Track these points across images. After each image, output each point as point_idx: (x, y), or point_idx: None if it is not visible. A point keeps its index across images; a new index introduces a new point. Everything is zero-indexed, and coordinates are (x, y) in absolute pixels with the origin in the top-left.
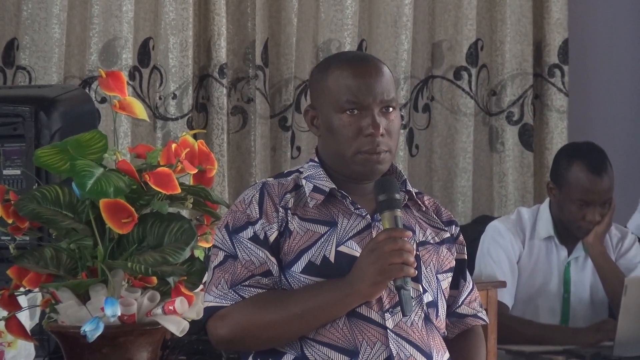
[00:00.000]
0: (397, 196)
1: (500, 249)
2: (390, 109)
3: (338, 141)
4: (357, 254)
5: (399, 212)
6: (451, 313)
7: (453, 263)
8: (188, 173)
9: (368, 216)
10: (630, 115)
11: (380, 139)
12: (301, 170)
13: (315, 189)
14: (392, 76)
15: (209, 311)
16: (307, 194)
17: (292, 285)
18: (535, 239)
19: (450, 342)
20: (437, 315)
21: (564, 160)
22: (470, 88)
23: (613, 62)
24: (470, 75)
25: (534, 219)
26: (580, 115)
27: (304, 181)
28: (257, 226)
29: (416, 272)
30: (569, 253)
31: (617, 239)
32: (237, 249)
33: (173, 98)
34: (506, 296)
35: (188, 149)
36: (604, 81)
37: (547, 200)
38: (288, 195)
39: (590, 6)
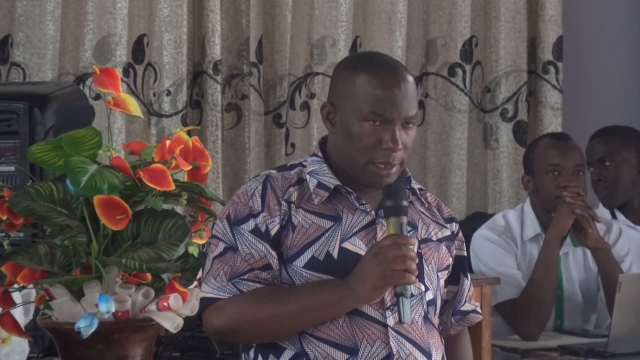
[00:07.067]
0: (405, 203)
1: (497, 256)
2: (411, 124)
3: (353, 147)
4: (361, 251)
5: (405, 219)
6: (456, 311)
7: (450, 260)
8: (182, 169)
9: (372, 212)
10: (624, 112)
11: (396, 154)
12: (304, 164)
13: (320, 185)
14: (416, 88)
15: (206, 302)
16: (312, 190)
17: (294, 279)
18: (526, 240)
19: (445, 340)
20: (435, 313)
21: (530, 147)
22: (465, 85)
23: (607, 59)
24: (464, 72)
25: (520, 221)
26: (574, 112)
27: (308, 176)
28: (259, 219)
29: (417, 280)
30: None
31: (602, 232)
32: (237, 241)
33: (167, 95)
34: (514, 290)
35: (182, 146)
36: (598, 78)
37: (528, 200)
38: (292, 189)
39: (584, 3)
